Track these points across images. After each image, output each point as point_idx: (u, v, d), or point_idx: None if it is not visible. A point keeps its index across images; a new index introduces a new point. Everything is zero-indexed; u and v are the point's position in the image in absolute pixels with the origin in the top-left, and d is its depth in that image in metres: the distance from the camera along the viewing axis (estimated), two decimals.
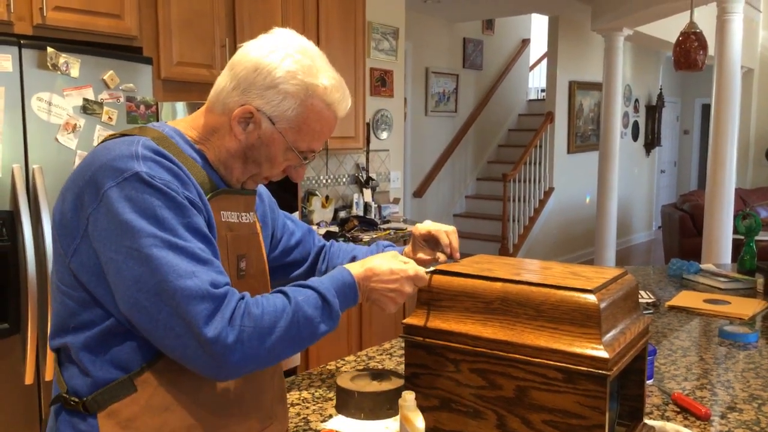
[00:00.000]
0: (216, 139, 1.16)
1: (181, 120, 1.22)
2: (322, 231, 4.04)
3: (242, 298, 1.05)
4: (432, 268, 1.32)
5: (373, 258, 1.23)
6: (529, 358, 1.19)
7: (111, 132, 2.56)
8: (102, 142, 1.12)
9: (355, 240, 3.91)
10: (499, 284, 1.24)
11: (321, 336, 1.12)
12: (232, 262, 1.17)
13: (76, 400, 1.07)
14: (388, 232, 4.21)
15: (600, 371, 1.12)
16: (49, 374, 2.43)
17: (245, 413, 1.17)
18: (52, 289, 1.14)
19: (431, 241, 1.45)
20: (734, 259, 5.14)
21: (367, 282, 1.19)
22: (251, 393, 1.19)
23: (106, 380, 1.06)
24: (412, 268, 1.23)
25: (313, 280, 1.15)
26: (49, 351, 2.40)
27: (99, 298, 1.05)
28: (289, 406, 1.53)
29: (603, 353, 1.13)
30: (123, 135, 1.11)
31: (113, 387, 1.06)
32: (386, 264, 1.21)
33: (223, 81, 1.15)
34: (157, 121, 2.75)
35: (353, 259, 1.49)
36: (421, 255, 1.45)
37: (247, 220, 1.24)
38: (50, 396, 2.42)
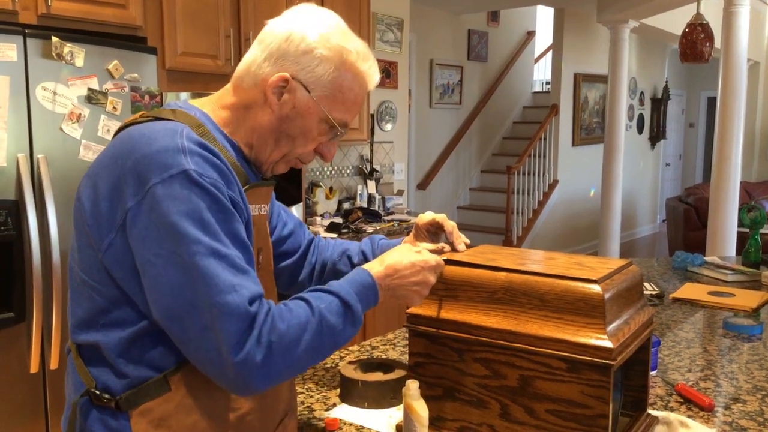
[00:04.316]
0: (249, 118, 1.12)
1: (206, 100, 1.16)
2: (326, 222, 4.04)
3: (269, 310, 1.00)
4: (444, 257, 1.31)
5: (391, 254, 1.19)
6: (533, 348, 1.19)
7: (116, 122, 2.57)
8: (132, 123, 1.07)
9: (359, 231, 3.91)
10: (503, 274, 1.24)
11: (344, 343, 1.09)
12: (254, 256, 1.13)
13: (108, 397, 1.04)
14: (391, 223, 4.21)
15: (604, 361, 1.12)
16: (54, 363, 2.44)
17: (269, 408, 1.17)
18: (73, 280, 1.09)
19: (433, 232, 1.44)
20: (739, 251, 5.12)
21: (389, 280, 1.16)
22: (274, 389, 1.16)
23: (141, 379, 1.03)
24: (431, 257, 1.20)
25: (333, 284, 1.10)
26: (54, 340, 2.42)
27: (132, 296, 1.01)
28: None
29: (607, 343, 1.13)
30: (157, 118, 1.06)
31: (148, 386, 1.03)
32: (406, 258, 1.18)
33: (252, 55, 1.11)
34: None
35: (344, 252, 1.46)
36: (423, 245, 1.40)
37: (264, 212, 1.21)
38: (56, 384, 2.45)
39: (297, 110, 1.10)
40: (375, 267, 1.16)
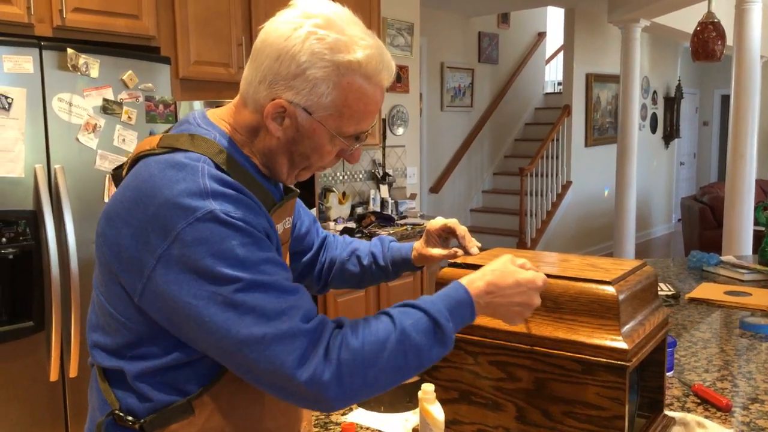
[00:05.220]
0: (259, 142, 1.07)
1: (222, 116, 1.10)
2: (340, 227, 4.06)
3: (339, 325, 0.98)
4: (458, 260, 1.28)
5: (493, 268, 1.10)
6: (548, 350, 1.19)
7: (131, 131, 2.60)
8: (149, 154, 1.03)
9: (373, 236, 3.92)
10: None
11: (430, 364, 1.02)
12: None
13: (132, 419, 1.03)
14: (405, 227, 4.22)
15: (619, 362, 1.13)
16: (73, 371, 2.47)
17: (291, 426, 1.17)
18: (101, 308, 1.06)
19: (444, 237, 1.41)
20: (755, 250, 5.08)
21: (490, 297, 1.07)
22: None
23: (164, 403, 1.02)
24: (539, 277, 1.10)
25: (423, 300, 1.04)
26: (73, 348, 2.44)
27: (170, 332, 1.00)
28: None
29: (622, 344, 1.13)
30: (176, 149, 1.02)
31: (172, 409, 1.02)
32: (510, 275, 1.09)
33: (249, 73, 1.04)
34: (176, 119, 2.77)
35: (353, 252, 1.43)
36: (435, 250, 1.40)
37: (288, 226, 1.18)
38: (76, 392, 2.47)
39: (302, 133, 1.03)
40: (475, 282, 1.08)
